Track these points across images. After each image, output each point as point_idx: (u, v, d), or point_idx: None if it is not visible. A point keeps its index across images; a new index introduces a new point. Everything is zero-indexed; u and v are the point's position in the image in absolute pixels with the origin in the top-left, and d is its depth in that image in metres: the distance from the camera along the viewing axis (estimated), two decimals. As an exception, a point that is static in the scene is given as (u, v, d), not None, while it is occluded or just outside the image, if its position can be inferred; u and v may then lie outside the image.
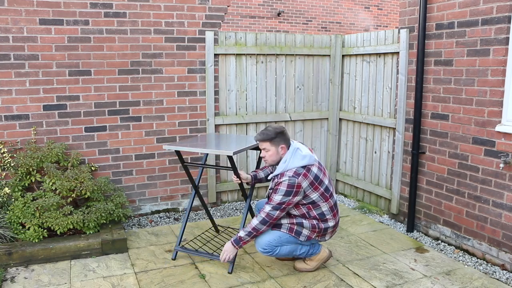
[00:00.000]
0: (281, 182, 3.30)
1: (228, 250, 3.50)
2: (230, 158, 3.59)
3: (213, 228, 4.54)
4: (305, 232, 3.47)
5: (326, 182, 3.47)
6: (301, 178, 3.29)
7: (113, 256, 3.93)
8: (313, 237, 3.50)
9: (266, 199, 3.76)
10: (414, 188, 4.52)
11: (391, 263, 3.87)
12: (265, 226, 3.39)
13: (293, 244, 3.51)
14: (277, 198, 3.31)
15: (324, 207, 3.44)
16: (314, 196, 3.38)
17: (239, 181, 3.76)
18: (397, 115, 4.71)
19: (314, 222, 3.46)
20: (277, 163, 3.49)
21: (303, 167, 3.34)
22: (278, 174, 3.38)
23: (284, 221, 3.49)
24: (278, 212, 3.34)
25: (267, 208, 3.35)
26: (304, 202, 3.39)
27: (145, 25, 4.62)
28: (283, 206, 3.32)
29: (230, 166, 3.72)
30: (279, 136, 3.40)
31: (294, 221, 3.47)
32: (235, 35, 5.04)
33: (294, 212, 3.47)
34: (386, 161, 5.00)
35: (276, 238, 3.46)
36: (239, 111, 5.22)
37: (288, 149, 3.42)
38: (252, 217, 4.13)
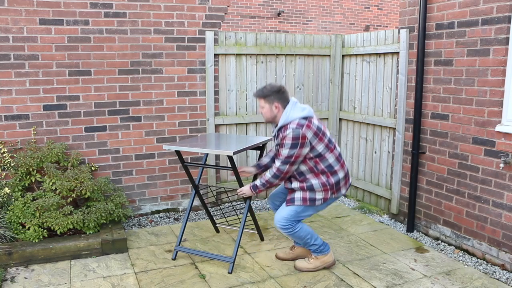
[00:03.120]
0: (285, 136, 3.33)
1: (245, 190, 3.66)
2: (230, 158, 3.60)
3: (213, 228, 4.54)
4: (319, 195, 3.47)
5: (328, 133, 3.51)
6: (305, 129, 3.33)
7: (113, 256, 3.94)
8: (328, 196, 3.50)
9: (279, 188, 3.82)
10: (414, 188, 4.52)
11: (391, 263, 3.87)
12: (277, 180, 3.46)
13: (310, 221, 3.44)
14: (284, 152, 3.35)
15: (331, 159, 3.45)
16: (320, 147, 3.40)
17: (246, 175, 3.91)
18: (397, 115, 4.71)
19: (324, 179, 3.45)
20: (274, 121, 3.52)
21: (305, 118, 3.38)
22: (281, 128, 3.41)
23: (297, 195, 3.48)
24: (288, 166, 3.38)
25: (277, 163, 3.41)
26: (311, 155, 3.40)
27: (145, 25, 4.62)
28: (292, 159, 3.35)
29: (230, 166, 3.73)
30: (274, 95, 3.44)
31: (305, 186, 3.46)
32: (235, 35, 5.04)
33: (302, 167, 3.45)
34: (386, 161, 5.00)
35: (292, 213, 3.48)
36: (239, 111, 5.22)
37: (284, 108, 3.44)
38: (252, 217, 4.15)
